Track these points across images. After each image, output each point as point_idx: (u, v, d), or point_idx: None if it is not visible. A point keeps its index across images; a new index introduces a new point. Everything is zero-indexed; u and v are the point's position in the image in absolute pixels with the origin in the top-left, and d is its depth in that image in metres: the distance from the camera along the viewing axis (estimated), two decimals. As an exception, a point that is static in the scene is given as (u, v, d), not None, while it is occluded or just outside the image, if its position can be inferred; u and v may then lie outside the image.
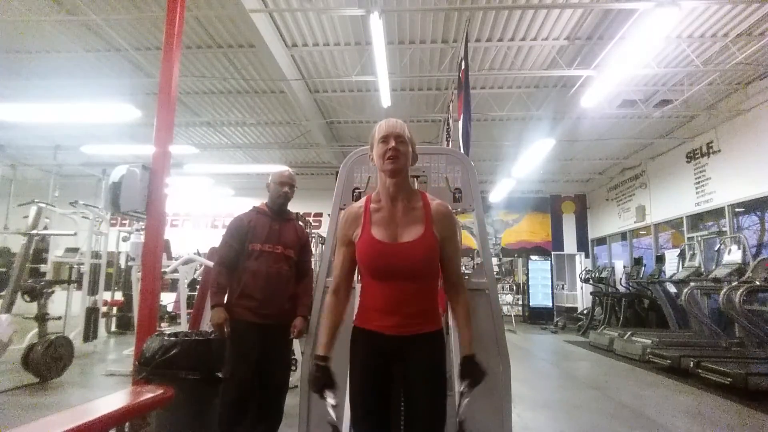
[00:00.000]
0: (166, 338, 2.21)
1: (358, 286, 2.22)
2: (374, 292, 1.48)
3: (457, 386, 1.46)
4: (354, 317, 1.55)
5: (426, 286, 1.48)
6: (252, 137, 10.15)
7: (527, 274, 12.43)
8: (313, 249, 5.07)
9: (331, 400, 1.40)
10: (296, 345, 3.90)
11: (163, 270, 4.02)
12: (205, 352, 2.21)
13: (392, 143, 1.44)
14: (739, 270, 5.85)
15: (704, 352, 5.54)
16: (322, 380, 1.42)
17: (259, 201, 2.72)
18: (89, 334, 5.99)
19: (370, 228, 1.46)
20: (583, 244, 13.17)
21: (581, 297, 12.49)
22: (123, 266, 8.41)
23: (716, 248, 7.10)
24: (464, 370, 1.45)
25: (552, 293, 12.13)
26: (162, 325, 8.19)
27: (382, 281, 1.45)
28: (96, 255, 6.54)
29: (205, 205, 13.31)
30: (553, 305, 12.03)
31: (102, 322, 6.68)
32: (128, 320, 7.73)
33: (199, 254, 6.28)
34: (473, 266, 10.43)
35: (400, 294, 1.44)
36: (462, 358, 1.47)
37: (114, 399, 1.54)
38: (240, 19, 5.37)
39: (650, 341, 6.25)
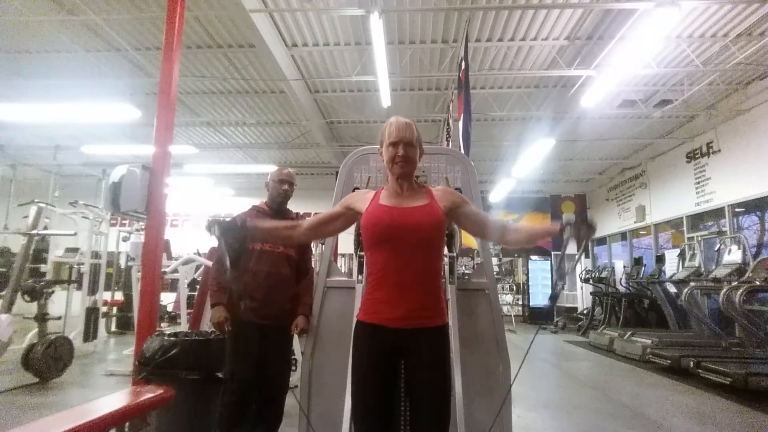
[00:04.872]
0: (166, 338, 2.21)
1: (359, 287, 2.23)
2: (379, 275, 1.49)
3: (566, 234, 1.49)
4: (356, 313, 1.56)
5: (430, 263, 1.50)
6: (252, 137, 10.15)
7: (527, 274, 12.43)
8: (313, 249, 5.06)
9: None
10: (296, 345, 3.89)
11: (163, 270, 4.03)
12: (205, 352, 2.21)
13: (401, 151, 1.52)
14: (739, 270, 5.85)
15: (704, 352, 5.54)
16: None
17: (259, 201, 2.70)
18: (89, 334, 5.98)
19: (378, 201, 1.58)
20: (583, 244, 13.15)
21: (581, 297, 12.49)
22: (123, 266, 8.41)
23: (716, 248, 7.10)
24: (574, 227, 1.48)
25: (552, 293, 12.11)
26: (162, 325, 8.19)
27: (387, 250, 1.48)
28: (96, 255, 6.53)
29: (205, 205, 13.30)
30: (553, 305, 12.03)
31: (102, 322, 6.67)
32: (128, 320, 7.72)
33: (199, 254, 6.27)
34: (473, 266, 10.44)
35: (404, 272, 1.46)
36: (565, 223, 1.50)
37: (114, 399, 1.54)
38: (240, 19, 5.37)
39: (650, 341, 6.24)
